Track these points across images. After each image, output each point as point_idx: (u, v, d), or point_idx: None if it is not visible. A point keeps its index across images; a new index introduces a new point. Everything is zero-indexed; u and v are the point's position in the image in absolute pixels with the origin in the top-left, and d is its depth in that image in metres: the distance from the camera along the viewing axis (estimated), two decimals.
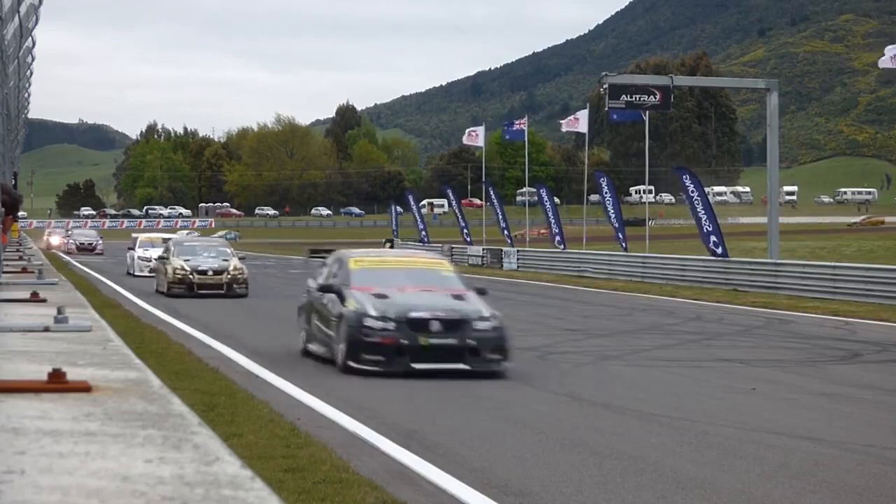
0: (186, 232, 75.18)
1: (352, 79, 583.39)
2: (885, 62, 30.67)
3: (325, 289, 15.26)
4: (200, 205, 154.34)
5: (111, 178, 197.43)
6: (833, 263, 31.83)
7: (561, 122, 53.81)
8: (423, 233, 62.11)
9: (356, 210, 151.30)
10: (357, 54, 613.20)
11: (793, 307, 25.80)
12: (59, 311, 4.54)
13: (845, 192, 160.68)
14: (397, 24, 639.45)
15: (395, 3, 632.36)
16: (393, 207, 79.59)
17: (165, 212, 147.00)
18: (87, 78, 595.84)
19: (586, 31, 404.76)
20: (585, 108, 50.73)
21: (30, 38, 18.74)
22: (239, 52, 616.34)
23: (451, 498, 7.58)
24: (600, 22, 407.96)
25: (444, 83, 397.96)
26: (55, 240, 68.76)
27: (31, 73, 29.22)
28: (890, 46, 30.83)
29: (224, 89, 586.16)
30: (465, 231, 56.24)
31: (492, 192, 54.43)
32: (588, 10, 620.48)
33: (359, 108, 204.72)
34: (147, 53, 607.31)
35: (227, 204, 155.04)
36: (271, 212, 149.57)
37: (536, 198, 48.99)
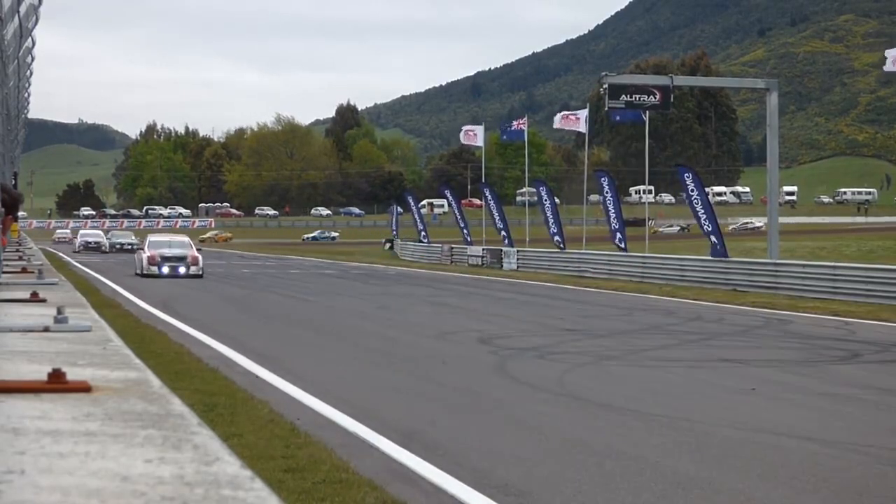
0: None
1: (351, 79, 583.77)
2: (889, 67, 30.43)
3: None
4: (200, 205, 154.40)
5: (111, 178, 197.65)
6: (833, 263, 31.83)
7: (556, 116, 51.25)
8: (423, 233, 61.85)
9: (356, 210, 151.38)
10: (357, 54, 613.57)
11: (792, 307, 25.79)
12: (59, 311, 4.54)
13: (845, 192, 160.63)
14: (398, 24, 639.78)
15: (395, 4, 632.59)
16: (393, 207, 79.59)
17: (165, 212, 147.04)
18: (86, 78, 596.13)
19: (586, 32, 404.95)
20: (585, 108, 50.58)
21: (30, 39, 18.72)
22: (240, 52, 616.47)
23: (450, 498, 7.58)
24: (600, 22, 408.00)
25: (443, 83, 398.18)
26: None
27: (31, 73, 29.19)
28: (889, 51, 30.67)
29: (225, 90, 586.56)
30: (465, 231, 56.10)
31: (489, 195, 54.01)
32: (578, 13, 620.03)
33: (359, 108, 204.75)
34: (147, 53, 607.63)
35: (227, 204, 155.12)
36: (271, 212, 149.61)
37: (536, 197, 48.81)
